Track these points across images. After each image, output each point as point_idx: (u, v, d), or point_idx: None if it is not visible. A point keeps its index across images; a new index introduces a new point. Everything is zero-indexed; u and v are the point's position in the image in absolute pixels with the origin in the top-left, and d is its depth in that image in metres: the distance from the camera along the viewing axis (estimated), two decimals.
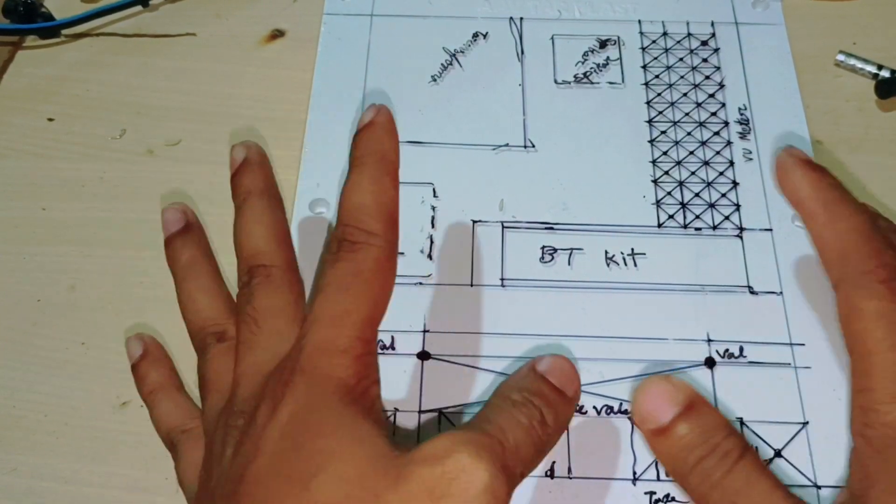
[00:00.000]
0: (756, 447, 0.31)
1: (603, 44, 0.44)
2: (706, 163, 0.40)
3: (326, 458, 0.25)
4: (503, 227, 0.38)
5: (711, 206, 0.39)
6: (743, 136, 0.41)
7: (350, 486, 0.24)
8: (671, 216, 0.38)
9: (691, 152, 0.40)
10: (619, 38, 0.44)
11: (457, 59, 0.43)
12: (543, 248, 0.38)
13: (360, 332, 0.28)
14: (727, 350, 0.35)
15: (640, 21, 0.45)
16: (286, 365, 0.28)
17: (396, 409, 0.34)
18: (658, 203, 0.39)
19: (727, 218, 0.38)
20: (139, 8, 0.46)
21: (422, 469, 0.24)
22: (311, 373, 0.27)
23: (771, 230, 0.38)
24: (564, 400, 0.28)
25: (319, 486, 0.24)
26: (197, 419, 0.32)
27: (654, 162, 0.40)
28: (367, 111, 0.32)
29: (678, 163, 0.40)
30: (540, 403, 0.27)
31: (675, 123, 0.41)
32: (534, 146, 0.40)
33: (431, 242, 0.38)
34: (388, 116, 0.32)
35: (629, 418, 0.33)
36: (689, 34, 0.44)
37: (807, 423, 0.33)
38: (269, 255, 0.32)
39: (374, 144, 0.31)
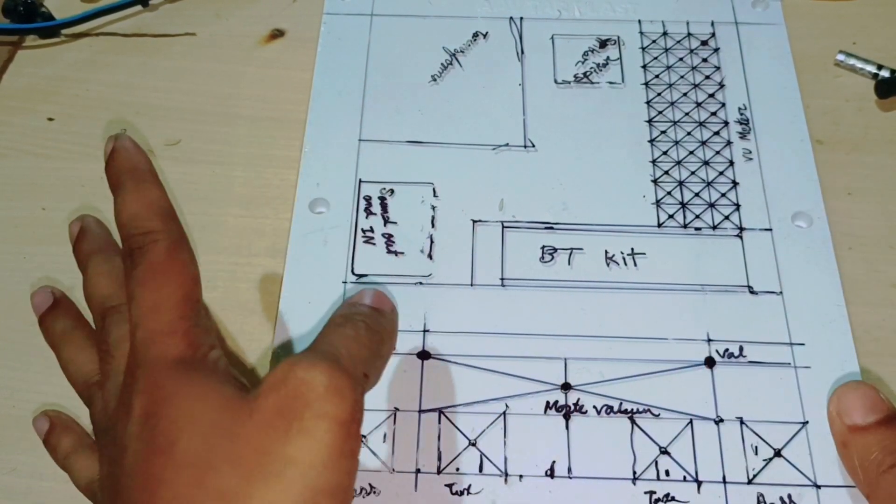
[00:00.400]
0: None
1: (603, 43, 0.44)
2: (706, 162, 0.40)
3: (181, 423, 0.26)
4: (503, 226, 0.38)
5: (711, 205, 0.39)
6: (743, 135, 0.41)
7: (208, 437, 0.25)
8: (671, 216, 0.38)
9: (691, 152, 0.40)
10: (619, 37, 0.44)
11: (457, 58, 0.43)
12: (543, 247, 0.38)
13: (179, 313, 0.28)
14: (727, 350, 0.35)
15: (640, 21, 0.45)
16: (127, 372, 0.29)
17: (396, 409, 0.34)
18: (658, 203, 0.39)
19: (727, 218, 0.38)
20: (139, 8, 0.46)
21: (268, 397, 0.25)
22: (146, 363, 0.27)
23: (771, 230, 0.38)
24: (382, 313, 0.30)
25: (182, 449, 0.25)
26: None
27: (654, 162, 0.40)
28: (107, 143, 0.33)
29: (678, 162, 0.40)
30: (361, 318, 0.29)
31: (674, 123, 0.41)
32: (534, 146, 0.40)
33: (431, 242, 0.38)
34: (126, 139, 0.32)
35: (628, 415, 0.33)
36: (689, 34, 0.44)
37: (806, 422, 0.33)
38: (118, 296, 0.32)
39: (123, 163, 0.31)
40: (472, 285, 0.37)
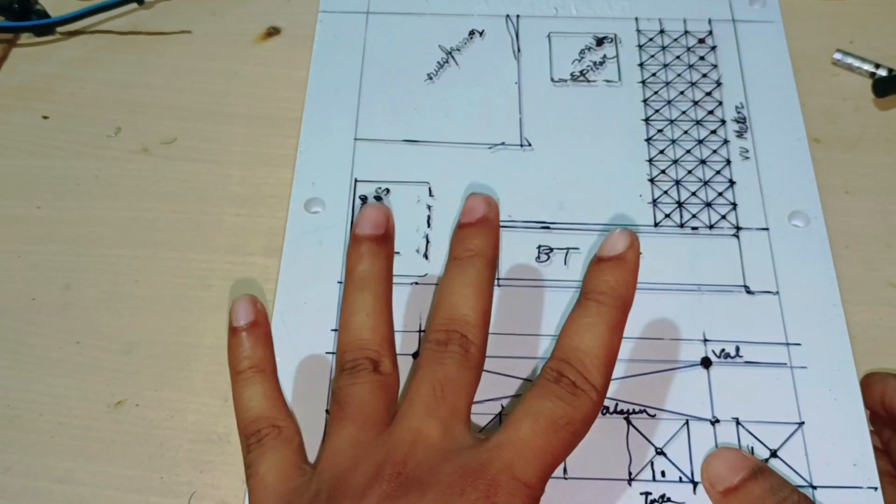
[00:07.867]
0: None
1: (599, 41, 0.44)
2: (703, 161, 0.40)
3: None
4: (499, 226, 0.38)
5: (708, 205, 0.38)
6: (740, 134, 0.40)
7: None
8: (668, 215, 0.38)
9: (688, 151, 0.40)
10: (615, 35, 0.44)
11: (453, 56, 0.43)
12: (539, 247, 0.37)
13: (544, 472, 0.29)
14: (723, 350, 0.35)
15: (636, 18, 0.44)
16: (478, 474, 0.28)
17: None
18: (654, 202, 0.39)
19: (724, 217, 0.38)
20: (134, 5, 0.46)
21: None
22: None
23: (767, 229, 0.38)
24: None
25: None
26: (289, 420, 0.33)
27: (650, 161, 0.40)
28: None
29: (675, 161, 0.40)
30: None
31: (671, 122, 0.41)
32: (530, 145, 0.40)
33: (427, 242, 0.38)
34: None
35: (623, 416, 0.33)
36: (687, 32, 0.44)
37: (802, 423, 0.33)
38: (470, 325, 0.32)
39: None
40: None
